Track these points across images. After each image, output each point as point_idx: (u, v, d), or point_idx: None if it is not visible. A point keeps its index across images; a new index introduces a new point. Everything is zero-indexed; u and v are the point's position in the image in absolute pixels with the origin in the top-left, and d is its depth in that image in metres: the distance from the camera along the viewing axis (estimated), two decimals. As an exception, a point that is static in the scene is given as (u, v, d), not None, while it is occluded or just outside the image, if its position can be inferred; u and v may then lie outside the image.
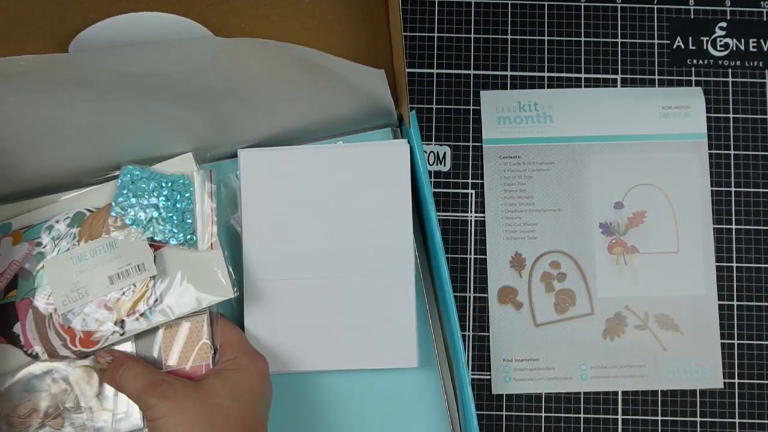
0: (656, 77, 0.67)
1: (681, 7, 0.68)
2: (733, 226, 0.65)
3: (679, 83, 0.67)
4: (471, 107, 0.66)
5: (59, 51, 0.44)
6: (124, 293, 0.53)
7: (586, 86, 0.67)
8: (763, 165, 0.66)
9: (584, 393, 0.63)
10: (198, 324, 0.53)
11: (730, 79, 0.67)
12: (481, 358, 0.63)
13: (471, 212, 0.65)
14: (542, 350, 0.63)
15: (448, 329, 0.57)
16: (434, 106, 0.66)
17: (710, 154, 0.66)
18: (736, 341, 0.64)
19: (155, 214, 0.54)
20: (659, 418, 0.63)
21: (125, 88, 0.48)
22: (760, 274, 0.64)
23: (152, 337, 0.54)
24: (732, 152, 0.66)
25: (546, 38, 0.67)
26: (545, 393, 0.63)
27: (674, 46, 0.67)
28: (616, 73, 0.67)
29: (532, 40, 0.67)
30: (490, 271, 0.65)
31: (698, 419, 0.62)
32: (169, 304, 0.53)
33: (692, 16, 0.68)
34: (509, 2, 0.68)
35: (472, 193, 0.66)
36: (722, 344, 0.64)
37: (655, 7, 0.68)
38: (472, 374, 0.63)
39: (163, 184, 0.55)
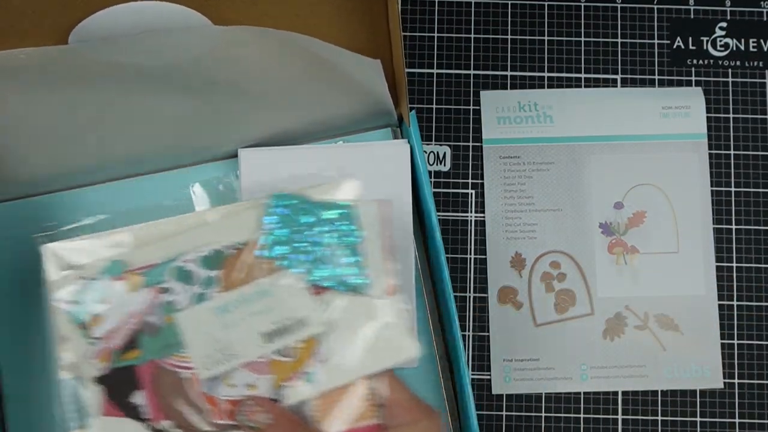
0: (656, 77, 0.67)
1: (681, 7, 0.68)
2: (733, 226, 0.65)
3: (679, 83, 0.67)
4: (471, 107, 0.66)
5: (59, 44, 0.44)
6: (281, 353, 0.43)
7: (586, 86, 0.67)
8: (763, 165, 0.66)
9: (584, 393, 0.63)
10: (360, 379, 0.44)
11: (730, 79, 0.67)
12: (481, 358, 0.63)
13: (471, 212, 0.65)
14: (542, 350, 0.63)
15: (448, 329, 0.57)
16: (434, 106, 0.66)
17: (710, 154, 0.66)
18: (736, 341, 0.63)
19: (318, 253, 0.44)
20: (659, 418, 0.62)
21: (126, 83, 0.48)
22: (760, 274, 0.64)
23: None
24: (732, 152, 0.66)
25: (546, 38, 0.67)
26: (545, 393, 0.63)
27: (674, 46, 0.67)
28: (616, 73, 0.67)
29: (532, 40, 0.67)
30: (490, 271, 0.64)
31: (698, 419, 0.62)
32: (338, 365, 0.43)
33: (692, 16, 0.68)
34: (509, 2, 0.68)
35: (472, 193, 0.66)
36: (722, 344, 0.63)
37: (655, 7, 0.68)
38: (472, 374, 0.63)
39: (325, 216, 0.45)
